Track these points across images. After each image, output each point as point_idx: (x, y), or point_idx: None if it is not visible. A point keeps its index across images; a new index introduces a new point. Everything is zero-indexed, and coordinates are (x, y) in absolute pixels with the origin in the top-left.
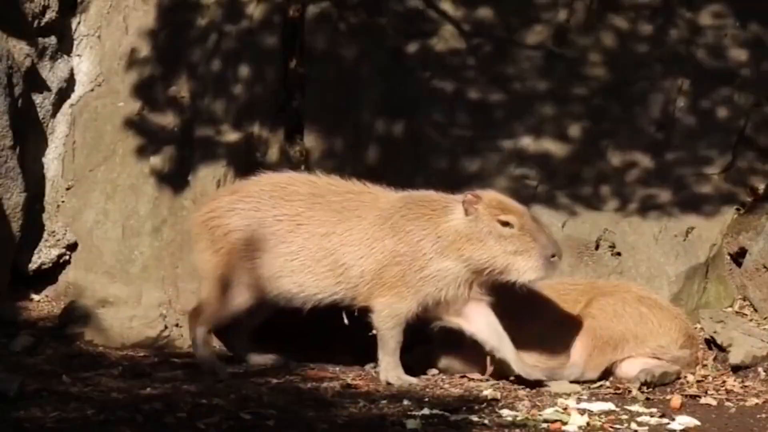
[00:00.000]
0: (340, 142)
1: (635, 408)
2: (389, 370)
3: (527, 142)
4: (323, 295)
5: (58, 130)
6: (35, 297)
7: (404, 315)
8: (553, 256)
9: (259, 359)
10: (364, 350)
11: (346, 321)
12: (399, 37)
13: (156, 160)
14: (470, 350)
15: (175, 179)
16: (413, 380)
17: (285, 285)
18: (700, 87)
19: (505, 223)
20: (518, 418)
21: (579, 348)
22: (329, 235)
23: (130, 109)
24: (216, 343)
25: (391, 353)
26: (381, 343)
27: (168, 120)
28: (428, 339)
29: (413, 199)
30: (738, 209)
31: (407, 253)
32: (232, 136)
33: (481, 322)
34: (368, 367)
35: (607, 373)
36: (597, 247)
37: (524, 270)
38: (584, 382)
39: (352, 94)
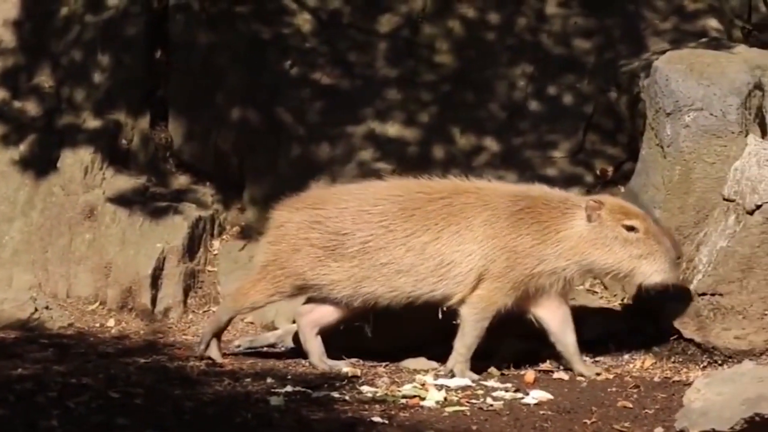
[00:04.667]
0: (202, 128)
1: (491, 383)
2: (458, 361)
3: (380, 128)
4: (419, 293)
5: None
6: None
7: (497, 309)
8: (678, 258)
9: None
10: None
11: (440, 316)
12: (257, 25)
13: (25, 148)
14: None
15: (43, 166)
16: (475, 376)
17: (374, 290)
18: (547, 74)
19: (630, 228)
20: (378, 394)
21: None
22: (432, 242)
23: None
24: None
25: (467, 346)
26: (461, 333)
27: (36, 109)
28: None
29: (528, 199)
30: (588, 191)
31: (522, 253)
32: (98, 123)
33: (556, 313)
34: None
35: None
36: None
37: (650, 273)
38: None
39: (213, 82)
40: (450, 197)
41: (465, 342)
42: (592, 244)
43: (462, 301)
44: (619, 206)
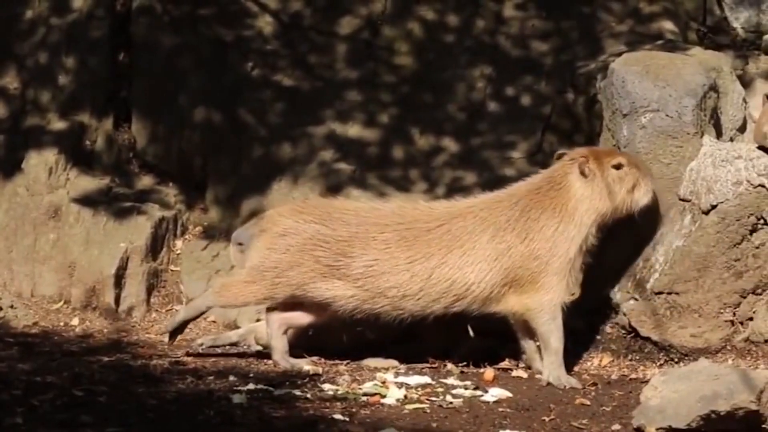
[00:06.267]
0: (165, 130)
1: (450, 381)
2: (551, 370)
3: (341, 129)
4: (430, 311)
5: None
6: None
7: (558, 304)
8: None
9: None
10: None
11: (471, 333)
12: (219, 28)
13: None
14: None
15: (8, 167)
16: (574, 382)
17: (379, 307)
18: (506, 76)
19: (618, 166)
20: (339, 392)
21: None
22: (441, 266)
23: None
24: None
25: (554, 352)
26: (541, 342)
27: (1, 110)
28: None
29: (522, 199)
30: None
31: (546, 248)
32: (62, 125)
33: None
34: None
35: None
36: None
37: (640, 198)
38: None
39: (176, 83)
40: (449, 222)
41: (548, 350)
42: (598, 198)
43: (518, 313)
44: (598, 151)
